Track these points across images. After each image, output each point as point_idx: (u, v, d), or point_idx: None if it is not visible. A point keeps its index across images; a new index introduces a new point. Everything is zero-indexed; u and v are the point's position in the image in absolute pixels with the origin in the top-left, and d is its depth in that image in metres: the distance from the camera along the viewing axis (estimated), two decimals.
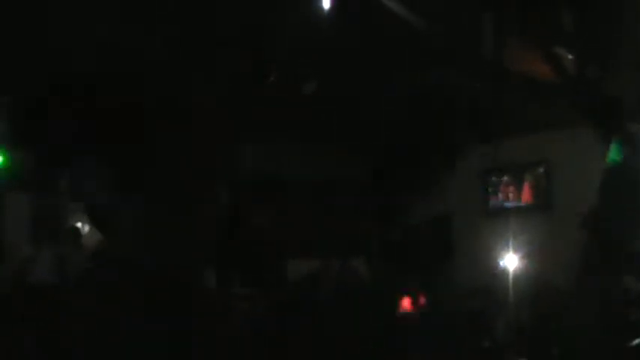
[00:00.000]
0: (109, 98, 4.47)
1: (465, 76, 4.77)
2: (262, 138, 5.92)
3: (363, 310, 5.14)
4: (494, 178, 7.25)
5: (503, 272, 5.91)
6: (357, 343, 5.04)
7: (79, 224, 5.91)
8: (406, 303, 5.48)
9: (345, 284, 5.82)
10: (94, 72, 4.42)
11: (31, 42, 4.21)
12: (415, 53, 4.43)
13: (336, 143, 6.44)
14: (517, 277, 5.77)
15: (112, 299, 2.92)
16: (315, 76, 4.79)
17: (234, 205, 5.00)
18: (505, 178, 7.19)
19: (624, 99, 4.43)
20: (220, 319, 4.27)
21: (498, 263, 5.98)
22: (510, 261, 5.88)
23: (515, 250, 5.87)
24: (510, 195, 7.14)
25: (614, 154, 4.33)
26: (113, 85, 4.43)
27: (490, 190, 7.26)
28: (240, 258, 5.41)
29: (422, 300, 5.40)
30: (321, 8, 3.87)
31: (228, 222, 4.82)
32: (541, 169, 6.90)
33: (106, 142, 4.46)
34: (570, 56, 4.43)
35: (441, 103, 5.38)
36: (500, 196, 7.22)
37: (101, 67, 4.37)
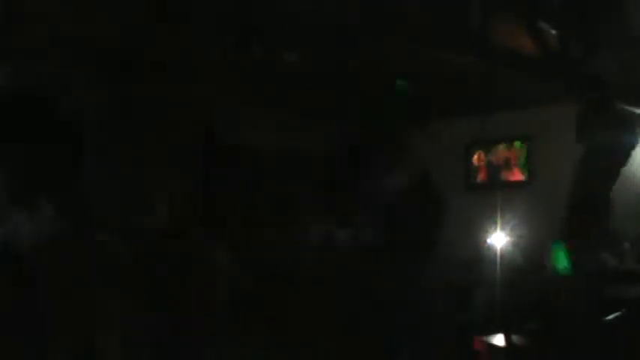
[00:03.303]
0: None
1: (449, 49, 4.75)
2: (241, 107, 5.91)
3: (345, 282, 5.16)
4: (476, 153, 7.30)
5: (484, 247, 5.96)
6: (340, 315, 5.06)
7: None
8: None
9: (328, 256, 5.84)
10: None
11: None
12: (400, 26, 4.40)
13: (314, 115, 6.46)
14: (497, 252, 5.81)
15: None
16: (297, 46, 4.76)
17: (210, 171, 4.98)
18: (488, 153, 7.24)
19: (607, 78, 4.43)
20: (202, 287, 4.25)
21: (479, 238, 6.03)
22: (491, 236, 5.93)
23: (497, 226, 5.92)
24: (493, 170, 7.19)
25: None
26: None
27: (473, 164, 7.32)
28: (220, 226, 5.41)
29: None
30: None
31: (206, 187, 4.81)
32: (524, 145, 6.94)
33: None
34: (554, 32, 4.41)
35: (422, 77, 5.37)
36: (483, 171, 7.27)
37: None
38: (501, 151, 7.13)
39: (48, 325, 3.17)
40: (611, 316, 4.62)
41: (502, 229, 5.87)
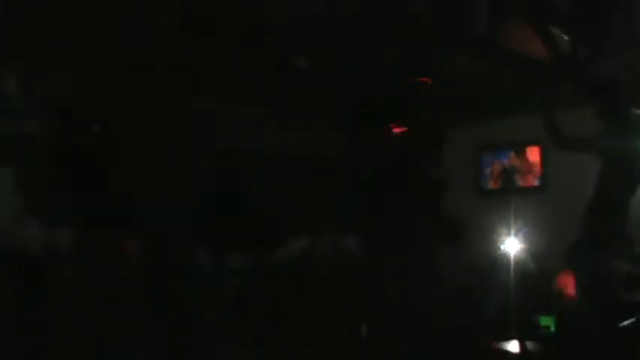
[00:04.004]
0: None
1: (458, 53, 4.74)
2: (250, 111, 5.91)
3: (354, 286, 5.15)
4: (487, 158, 7.27)
5: (497, 251, 5.92)
6: (349, 319, 5.06)
7: None
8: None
9: (337, 261, 5.83)
10: None
11: None
12: (409, 30, 4.39)
13: (324, 118, 6.45)
14: (510, 256, 5.78)
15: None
16: (306, 51, 4.77)
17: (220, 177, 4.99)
18: (498, 157, 7.20)
19: (620, 81, 4.41)
20: (211, 294, 4.26)
21: (491, 242, 6.00)
22: (504, 240, 5.89)
23: (509, 230, 5.88)
24: (503, 175, 7.14)
25: None
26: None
27: (483, 169, 7.27)
28: (229, 232, 5.41)
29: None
30: None
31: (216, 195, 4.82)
32: (535, 150, 6.89)
33: None
34: (565, 36, 4.40)
35: (434, 81, 5.36)
36: (494, 175, 7.23)
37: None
38: (513, 155, 7.09)
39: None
40: (625, 322, 4.58)
41: (515, 233, 5.83)
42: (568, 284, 4.58)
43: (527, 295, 5.57)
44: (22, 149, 4.35)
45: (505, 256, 5.81)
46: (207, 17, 3.64)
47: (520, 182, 7.02)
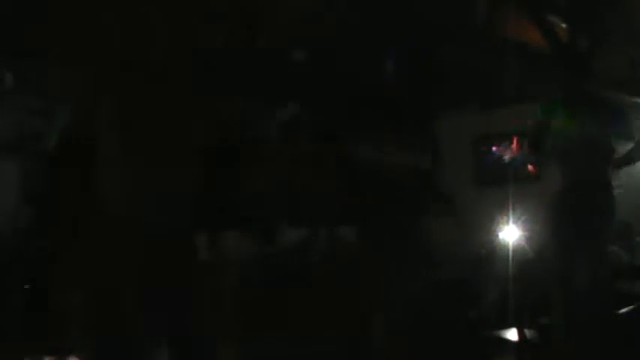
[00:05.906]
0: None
1: (457, 43, 4.73)
2: (247, 102, 5.91)
3: (350, 278, 5.16)
4: (485, 147, 7.26)
5: (493, 241, 5.92)
6: (344, 311, 5.07)
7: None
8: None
9: (333, 252, 5.84)
10: None
11: None
12: (407, 21, 4.39)
13: (323, 110, 6.44)
14: (507, 246, 5.77)
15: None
16: (305, 43, 4.76)
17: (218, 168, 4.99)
18: (496, 146, 7.19)
19: (610, 69, 4.41)
20: (210, 282, 4.25)
21: (488, 232, 5.99)
22: (501, 230, 5.89)
23: (506, 220, 5.87)
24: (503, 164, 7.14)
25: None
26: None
27: (481, 158, 7.27)
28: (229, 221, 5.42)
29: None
30: None
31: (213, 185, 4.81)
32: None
33: None
34: (563, 25, 4.40)
35: (433, 70, 5.35)
36: (491, 165, 7.23)
37: None
38: (509, 144, 7.08)
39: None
40: (622, 311, 4.60)
41: (511, 223, 5.82)
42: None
43: (526, 285, 5.57)
44: None
45: (504, 246, 5.80)
46: None
47: (520, 172, 7.02)
